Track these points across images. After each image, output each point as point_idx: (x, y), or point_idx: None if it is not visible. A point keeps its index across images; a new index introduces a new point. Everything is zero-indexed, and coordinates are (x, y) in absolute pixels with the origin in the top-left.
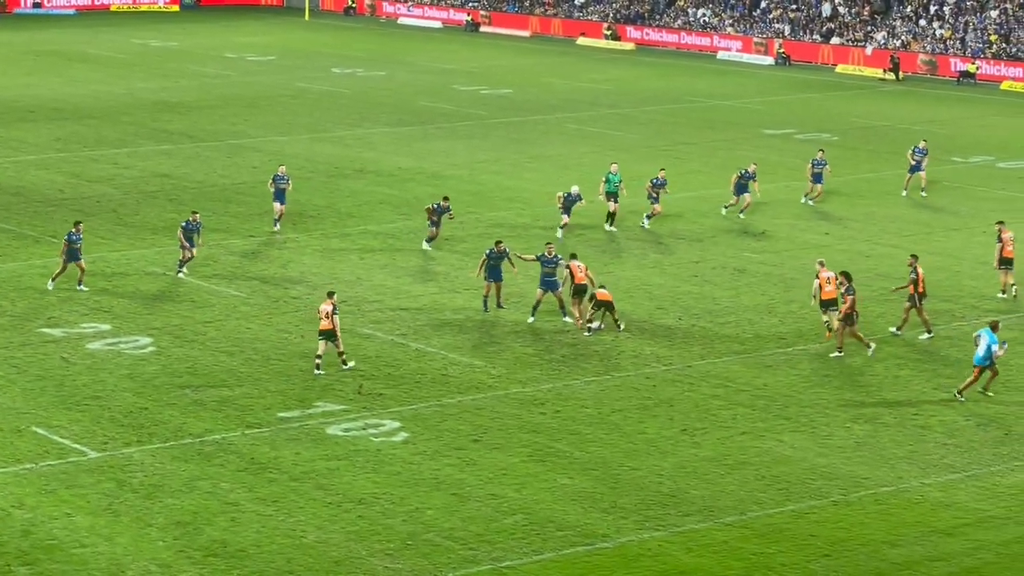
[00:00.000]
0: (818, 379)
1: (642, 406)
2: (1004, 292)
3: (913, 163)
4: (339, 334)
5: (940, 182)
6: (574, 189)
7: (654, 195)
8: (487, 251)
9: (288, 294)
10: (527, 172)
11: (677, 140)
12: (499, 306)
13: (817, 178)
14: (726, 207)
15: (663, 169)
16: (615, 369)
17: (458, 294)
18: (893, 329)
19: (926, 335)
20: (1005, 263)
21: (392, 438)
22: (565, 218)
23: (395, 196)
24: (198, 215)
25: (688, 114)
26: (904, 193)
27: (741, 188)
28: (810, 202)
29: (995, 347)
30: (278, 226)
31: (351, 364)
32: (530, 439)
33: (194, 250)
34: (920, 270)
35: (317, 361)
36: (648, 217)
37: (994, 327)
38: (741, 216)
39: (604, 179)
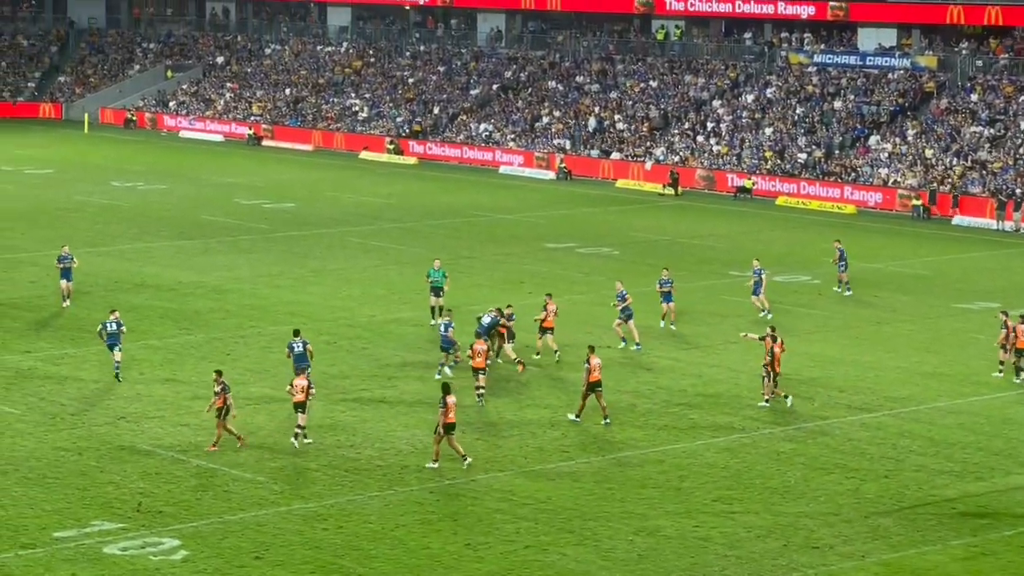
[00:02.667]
0: (601, 492)
1: (425, 521)
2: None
3: (753, 285)
4: (307, 410)
5: (719, 296)
6: (506, 310)
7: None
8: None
9: (65, 411)
10: (310, 286)
11: (460, 254)
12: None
13: (667, 297)
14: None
15: (510, 305)
16: (399, 484)
17: (240, 410)
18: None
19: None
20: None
21: (172, 556)
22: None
23: (176, 310)
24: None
25: (471, 228)
26: (766, 314)
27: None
28: (672, 326)
29: None
30: (67, 303)
31: (308, 441)
32: (313, 555)
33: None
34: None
35: (296, 431)
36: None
37: None
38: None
39: (427, 275)
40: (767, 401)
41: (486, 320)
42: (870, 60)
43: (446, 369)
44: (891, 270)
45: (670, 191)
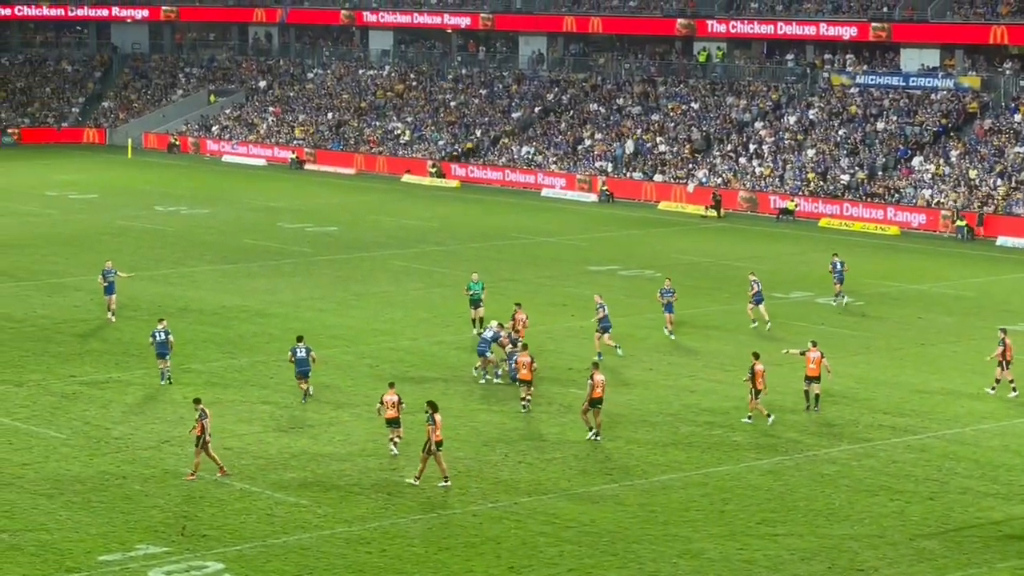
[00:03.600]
0: (645, 514)
1: (469, 544)
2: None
3: (752, 296)
4: (401, 423)
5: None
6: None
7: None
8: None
9: (110, 435)
10: (352, 310)
11: (502, 276)
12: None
13: (668, 308)
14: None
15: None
16: (442, 507)
17: (284, 433)
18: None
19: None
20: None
21: None
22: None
23: (219, 334)
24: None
25: (513, 250)
26: (757, 325)
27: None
28: (672, 336)
29: None
30: (112, 317)
31: (396, 452)
32: None
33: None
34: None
35: (395, 441)
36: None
37: None
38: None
39: (466, 288)
40: (750, 417)
41: (488, 334)
42: (913, 81)
43: (489, 377)
44: (935, 291)
45: (712, 213)
